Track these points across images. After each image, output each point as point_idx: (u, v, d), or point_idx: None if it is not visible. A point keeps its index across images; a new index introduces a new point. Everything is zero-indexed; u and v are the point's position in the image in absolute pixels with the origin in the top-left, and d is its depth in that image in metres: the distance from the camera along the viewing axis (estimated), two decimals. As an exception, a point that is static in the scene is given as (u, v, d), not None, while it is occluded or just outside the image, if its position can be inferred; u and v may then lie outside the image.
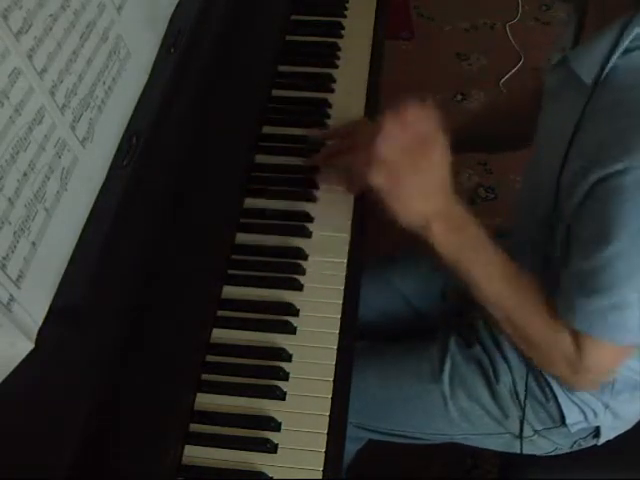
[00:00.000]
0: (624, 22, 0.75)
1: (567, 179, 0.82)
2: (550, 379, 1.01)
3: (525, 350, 0.94)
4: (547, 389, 1.02)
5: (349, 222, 1.02)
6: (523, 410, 1.02)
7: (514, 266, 0.89)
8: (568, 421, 1.02)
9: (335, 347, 0.89)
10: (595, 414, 1.02)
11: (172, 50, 0.99)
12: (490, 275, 0.88)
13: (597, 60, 0.78)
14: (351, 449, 1.19)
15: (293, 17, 1.31)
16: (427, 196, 0.84)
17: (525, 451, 1.08)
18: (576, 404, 1.01)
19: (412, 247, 1.30)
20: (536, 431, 1.05)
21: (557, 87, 0.89)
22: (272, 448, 0.81)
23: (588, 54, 0.79)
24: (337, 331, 0.90)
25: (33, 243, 0.73)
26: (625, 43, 0.75)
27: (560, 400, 1.02)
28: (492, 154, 1.88)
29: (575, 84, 0.81)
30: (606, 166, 0.75)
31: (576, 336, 0.84)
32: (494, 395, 1.05)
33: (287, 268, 0.96)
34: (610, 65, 0.77)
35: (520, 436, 1.04)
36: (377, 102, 1.22)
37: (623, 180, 0.74)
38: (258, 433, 0.82)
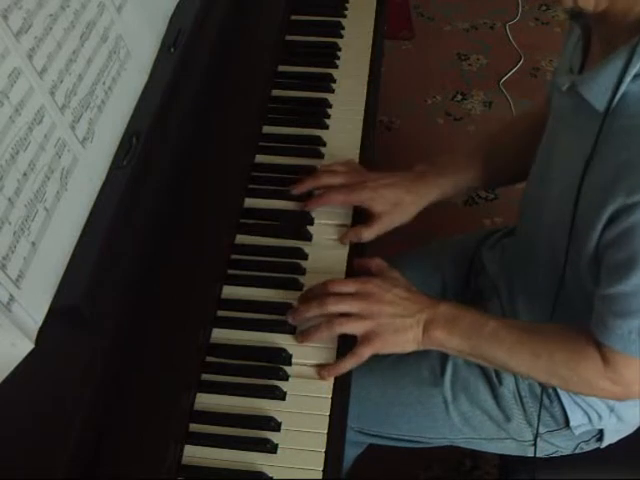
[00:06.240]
0: (632, 46, 0.74)
1: (585, 204, 0.81)
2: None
3: (571, 388, 0.94)
4: (551, 391, 1.02)
5: (350, 223, 1.02)
6: (539, 412, 1.01)
7: (520, 324, 0.93)
8: (572, 424, 1.02)
9: (335, 347, 0.89)
10: (600, 417, 1.01)
11: (172, 50, 0.99)
12: (510, 346, 0.90)
13: (607, 86, 0.76)
14: (351, 454, 1.17)
15: (293, 17, 1.31)
16: (406, 319, 0.90)
17: (523, 454, 1.08)
18: (580, 407, 1.01)
19: (412, 249, 1.31)
20: (539, 434, 1.05)
21: (568, 111, 0.87)
22: (272, 448, 0.80)
23: (598, 80, 0.78)
24: (337, 331, 0.91)
25: (33, 243, 0.73)
26: (636, 68, 0.74)
27: (564, 402, 1.01)
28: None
29: (586, 110, 0.80)
30: (626, 195, 0.74)
31: (604, 352, 0.85)
32: (497, 398, 1.04)
33: (287, 268, 0.96)
34: (621, 91, 0.76)
35: (535, 438, 1.03)
36: (377, 102, 1.21)
37: None
38: (258, 433, 0.82)
